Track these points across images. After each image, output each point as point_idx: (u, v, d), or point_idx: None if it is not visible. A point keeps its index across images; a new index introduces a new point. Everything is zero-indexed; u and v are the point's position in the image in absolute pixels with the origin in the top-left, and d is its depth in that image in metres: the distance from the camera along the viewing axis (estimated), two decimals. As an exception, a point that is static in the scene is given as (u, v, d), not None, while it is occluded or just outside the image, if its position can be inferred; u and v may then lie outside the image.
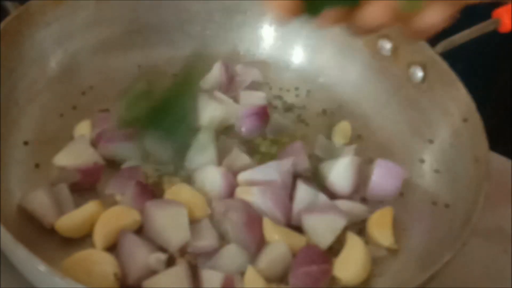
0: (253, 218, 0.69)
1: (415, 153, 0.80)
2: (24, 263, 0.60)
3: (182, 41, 0.88)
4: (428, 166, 0.79)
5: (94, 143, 0.75)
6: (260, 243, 0.69)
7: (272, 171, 0.73)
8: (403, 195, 0.77)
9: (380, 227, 0.72)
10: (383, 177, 0.75)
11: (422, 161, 0.80)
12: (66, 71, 0.81)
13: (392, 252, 0.72)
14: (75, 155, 0.72)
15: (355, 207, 0.74)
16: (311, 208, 0.71)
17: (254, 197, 0.70)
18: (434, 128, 0.79)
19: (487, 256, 0.77)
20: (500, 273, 0.76)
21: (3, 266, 0.65)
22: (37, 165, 0.73)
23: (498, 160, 0.85)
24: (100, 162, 0.72)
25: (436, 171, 0.78)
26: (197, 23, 0.89)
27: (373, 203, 0.75)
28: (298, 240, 0.69)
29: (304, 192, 0.72)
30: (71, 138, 0.76)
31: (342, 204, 0.73)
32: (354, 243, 0.69)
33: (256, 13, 0.89)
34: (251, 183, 0.72)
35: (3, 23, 0.74)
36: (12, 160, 0.72)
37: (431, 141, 0.80)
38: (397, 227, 0.73)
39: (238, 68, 0.87)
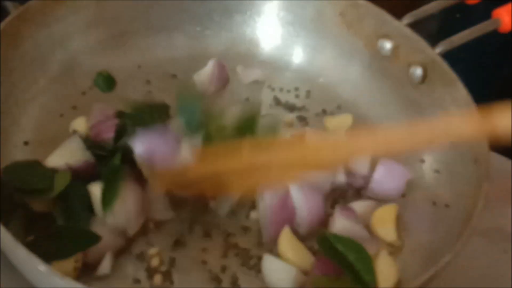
0: (285, 207, 0.70)
1: (415, 153, 0.80)
2: (24, 263, 0.60)
3: (182, 41, 0.88)
4: (428, 166, 0.79)
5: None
6: (278, 231, 0.70)
7: (318, 176, 0.73)
8: (403, 195, 0.77)
9: (384, 224, 0.72)
10: (385, 176, 0.75)
11: (422, 161, 0.79)
12: (66, 71, 0.81)
13: (392, 252, 0.72)
14: (67, 156, 0.72)
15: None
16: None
17: (293, 187, 0.71)
18: (434, 128, 0.79)
19: (487, 256, 0.77)
20: (500, 273, 0.76)
21: (3, 266, 0.65)
22: (37, 165, 0.73)
23: (498, 160, 0.85)
24: (91, 160, 0.71)
25: (436, 171, 0.78)
26: (197, 23, 0.89)
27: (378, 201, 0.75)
28: (309, 260, 0.69)
29: (341, 225, 0.71)
30: (71, 138, 0.76)
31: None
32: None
33: (256, 13, 0.90)
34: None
35: (3, 23, 0.74)
36: (12, 160, 0.72)
37: (431, 141, 0.80)
38: (397, 227, 0.73)
39: (239, 68, 0.87)
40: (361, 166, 0.76)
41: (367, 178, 0.76)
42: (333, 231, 0.70)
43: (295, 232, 0.71)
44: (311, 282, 0.66)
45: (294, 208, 0.71)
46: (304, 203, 0.71)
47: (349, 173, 0.76)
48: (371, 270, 0.66)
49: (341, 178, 0.75)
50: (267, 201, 0.70)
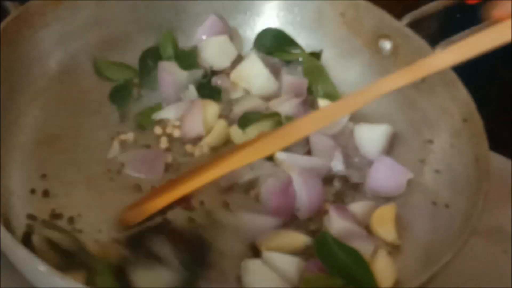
0: (286, 194, 0.71)
1: (415, 153, 0.80)
2: (24, 263, 0.60)
3: (182, 41, 0.88)
4: (428, 166, 0.79)
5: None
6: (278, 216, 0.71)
7: (315, 161, 0.75)
8: (403, 195, 0.77)
9: (383, 224, 0.72)
10: (384, 173, 0.76)
11: (422, 161, 0.79)
12: (66, 71, 0.81)
13: (392, 252, 0.72)
14: None
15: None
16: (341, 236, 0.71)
17: (294, 173, 0.72)
18: (434, 128, 0.79)
19: (487, 256, 0.77)
20: (500, 273, 0.76)
21: (3, 266, 0.65)
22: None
23: (498, 160, 0.85)
24: None
25: (436, 171, 0.78)
26: (197, 23, 0.89)
27: (378, 201, 0.76)
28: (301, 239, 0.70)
29: (337, 225, 0.72)
30: (71, 138, 0.76)
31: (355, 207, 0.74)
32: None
33: (256, 13, 0.90)
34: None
35: (3, 23, 0.74)
36: (12, 161, 0.72)
37: (431, 141, 0.80)
38: (397, 227, 0.73)
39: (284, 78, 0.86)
40: (369, 150, 0.78)
41: (365, 172, 0.77)
42: (329, 230, 0.71)
43: (294, 216, 0.72)
44: (304, 281, 0.66)
45: (294, 193, 0.72)
46: (304, 189, 0.72)
47: (348, 163, 0.77)
48: (369, 274, 0.66)
49: (339, 166, 0.76)
50: (269, 187, 0.71)
